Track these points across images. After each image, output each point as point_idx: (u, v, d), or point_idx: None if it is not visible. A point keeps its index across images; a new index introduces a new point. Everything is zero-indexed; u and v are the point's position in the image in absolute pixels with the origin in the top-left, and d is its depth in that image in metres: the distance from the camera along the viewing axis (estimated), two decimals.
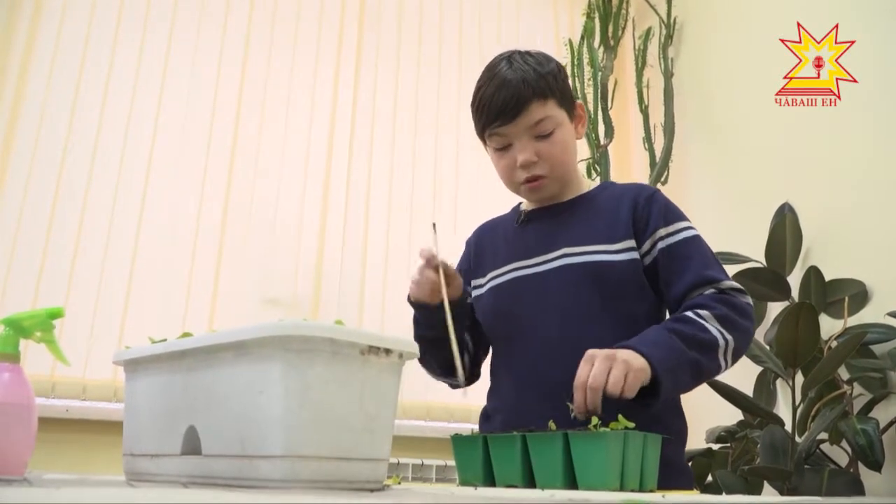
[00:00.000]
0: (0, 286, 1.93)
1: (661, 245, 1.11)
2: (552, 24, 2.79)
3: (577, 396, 0.93)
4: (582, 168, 2.39)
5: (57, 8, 2.14)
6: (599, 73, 2.49)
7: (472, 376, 1.25)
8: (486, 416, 1.21)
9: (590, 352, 0.95)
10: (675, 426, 1.11)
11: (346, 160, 2.39)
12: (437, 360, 1.13)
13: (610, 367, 0.92)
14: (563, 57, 2.61)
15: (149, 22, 2.24)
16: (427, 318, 1.12)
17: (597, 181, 1.29)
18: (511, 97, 1.10)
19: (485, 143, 1.20)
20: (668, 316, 1.14)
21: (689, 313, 1.04)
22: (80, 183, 2.07)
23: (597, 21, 2.60)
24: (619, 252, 1.11)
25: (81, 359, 1.95)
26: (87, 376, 1.96)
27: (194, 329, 1.06)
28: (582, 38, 2.56)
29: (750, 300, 1.09)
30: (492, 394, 1.22)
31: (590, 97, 2.50)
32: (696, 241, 1.12)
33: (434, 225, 1.11)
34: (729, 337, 1.02)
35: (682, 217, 1.14)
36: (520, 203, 1.30)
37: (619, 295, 1.10)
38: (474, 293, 1.25)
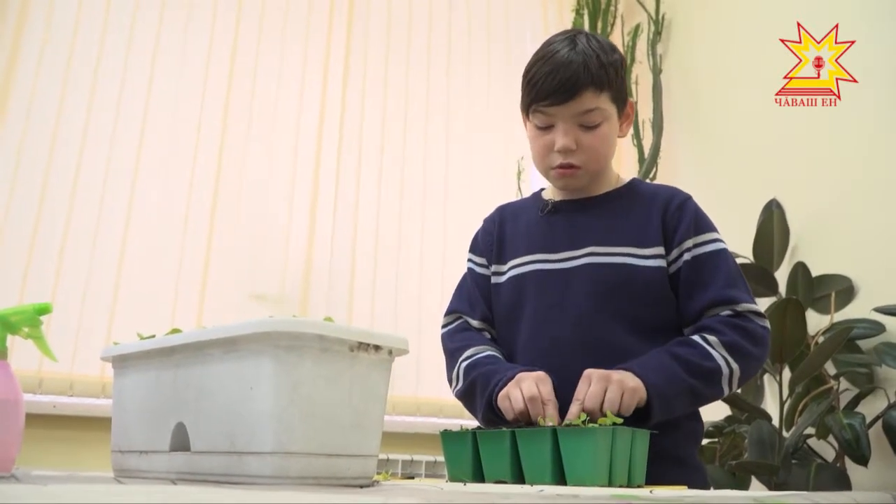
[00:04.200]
0: None
1: (687, 256, 1.08)
2: (541, 21, 2.79)
3: (573, 409, 0.93)
4: None
5: (44, 7, 2.12)
6: None
7: None
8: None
9: (587, 371, 0.96)
10: (688, 426, 1.10)
11: (335, 155, 2.38)
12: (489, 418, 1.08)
13: (605, 388, 0.93)
14: None
15: (137, 17, 2.22)
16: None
17: (626, 176, 1.25)
18: (568, 79, 1.05)
19: (526, 117, 1.14)
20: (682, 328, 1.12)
21: (697, 337, 1.03)
22: (68, 178, 2.05)
23: (586, 17, 2.60)
24: (647, 258, 1.08)
25: (69, 354, 1.94)
26: (74, 372, 1.94)
27: (183, 325, 1.06)
28: None
29: (767, 324, 1.07)
30: None
31: None
32: (723, 255, 1.09)
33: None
34: (735, 365, 1.01)
35: (712, 228, 1.11)
36: (542, 189, 1.26)
37: (642, 301, 1.07)
38: (493, 280, 1.19)
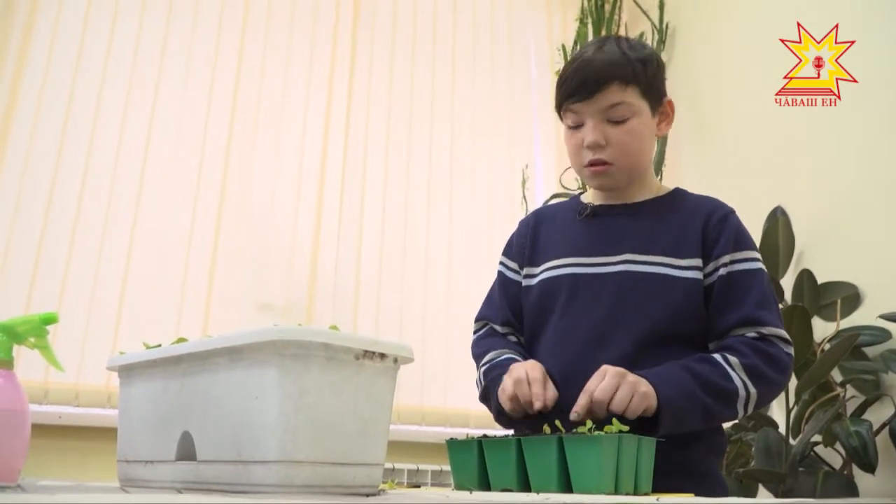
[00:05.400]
0: None
1: (722, 271, 1.07)
2: (545, 30, 2.80)
3: (581, 400, 0.93)
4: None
5: (51, 15, 2.14)
6: None
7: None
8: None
9: (603, 367, 0.95)
10: (711, 438, 1.09)
11: (341, 165, 2.39)
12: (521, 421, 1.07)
13: (618, 385, 0.92)
14: (556, 62, 2.62)
15: (142, 32, 2.24)
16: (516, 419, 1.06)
17: (669, 185, 1.24)
18: (592, 75, 1.07)
19: (561, 118, 1.15)
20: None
21: (718, 356, 1.02)
22: (74, 188, 2.06)
23: (590, 26, 2.61)
24: (684, 269, 1.07)
25: (75, 364, 1.95)
26: (80, 382, 1.95)
27: (188, 334, 1.06)
28: (575, 42, 2.57)
29: (791, 351, 1.06)
30: None
31: None
32: (759, 275, 1.08)
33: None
34: (753, 390, 1.00)
35: (752, 246, 1.10)
36: (581, 193, 1.25)
37: (674, 312, 1.06)
38: (525, 283, 1.18)
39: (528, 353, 1.16)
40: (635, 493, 0.83)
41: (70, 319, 1.95)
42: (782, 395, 1.64)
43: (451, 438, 0.96)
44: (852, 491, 1.56)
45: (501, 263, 1.25)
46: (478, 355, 1.18)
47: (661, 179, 2.39)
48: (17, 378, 0.76)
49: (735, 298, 1.05)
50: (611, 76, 1.07)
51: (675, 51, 2.59)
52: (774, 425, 1.66)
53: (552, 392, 0.99)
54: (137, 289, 2.06)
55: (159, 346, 0.75)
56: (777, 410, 1.84)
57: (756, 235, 1.91)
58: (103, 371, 1.89)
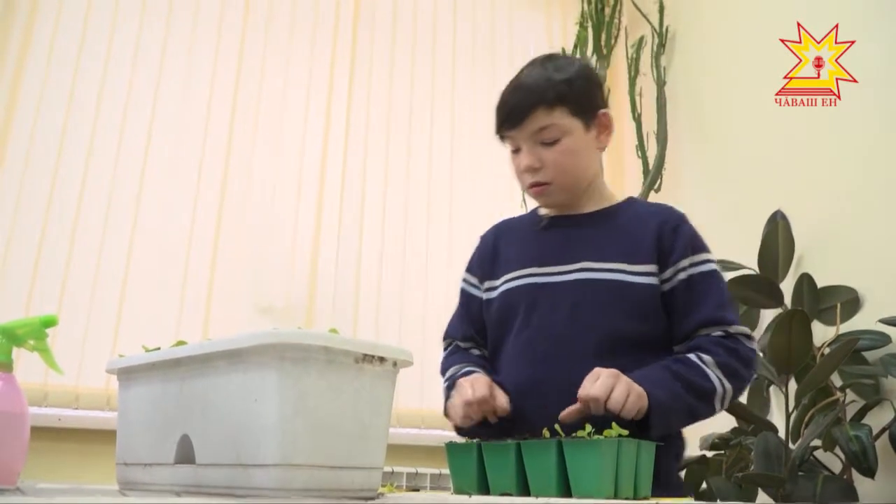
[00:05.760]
0: None
1: (682, 275, 1.10)
2: (544, 34, 2.80)
3: (578, 405, 0.95)
4: None
5: (51, 15, 2.14)
6: None
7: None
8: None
9: (596, 369, 0.97)
10: (674, 443, 1.11)
11: (341, 167, 2.39)
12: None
13: (613, 386, 0.95)
14: None
15: (142, 32, 2.24)
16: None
17: (622, 194, 1.27)
18: (517, 103, 1.13)
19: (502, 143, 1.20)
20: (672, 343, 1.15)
21: (693, 356, 1.05)
22: (73, 190, 2.06)
23: (589, 30, 2.61)
24: (638, 275, 1.10)
25: (74, 367, 1.94)
26: (80, 385, 1.95)
27: (188, 337, 1.06)
28: (575, 46, 2.57)
29: (755, 346, 1.10)
30: None
31: None
32: (716, 276, 1.12)
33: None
34: (728, 386, 1.04)
35: (706, 249, 1.15)
36: (538, 206, 1.29)
37: (632, 316, 1.09)
38: (485, 296, 1.22)
39: (491, 365, 1.19)
40: (635, 498, 0.83)
41: (70, 322, 1.95)
42: (782, 399, 1.63)
43: (451, 442, 0.96)
44: (852, 495, 1.55)
45: (464, 280, 1.29)
46: (443, 373, 1.23)
47: (661, 183, 2.39)
48: (17, 380, 0.76)
49: (697, 300, 1.09)
50: (535, 102, 1.11)
51: (675, 55, 2.59)
52: (774, 429, 1.66)
53: (501, 401, 1.04)
54: (137, 291, 2.06)
55: (158, 348, 0.75)
56: (777, 415, 1.84)
57: (756, 240, 1.92)
58: (103, 373, 1.91)
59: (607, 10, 2.65)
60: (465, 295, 1.27)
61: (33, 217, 2.00)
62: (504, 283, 1.19)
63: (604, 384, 0.94)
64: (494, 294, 1.20)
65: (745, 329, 1.09)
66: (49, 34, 2.13)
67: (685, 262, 1.11)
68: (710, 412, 1.06)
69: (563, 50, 2.57)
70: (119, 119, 2.16)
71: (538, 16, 2.81)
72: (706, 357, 1.04)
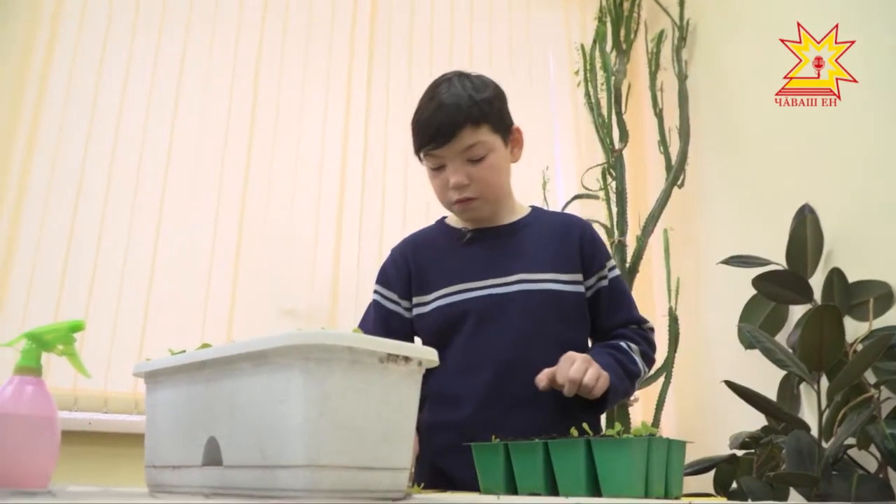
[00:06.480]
0: (22, 300, 1.95)
1: (604, 282, 1.25)
2: (563, 30, 2.78)
3: (564, 388, 1.05)
4: (597, 172, 2.38)
5: (72, 32, 2.17)
6: (612, 78, 2.48)
7: None
8: (432, 429, 1.19)
9: (569, 353, 1.09)
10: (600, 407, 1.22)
11: (360, 169, 2.39)
12: None
13: (587, 369, 1.06)
14: (575, 62, 2.61)
15: (161, 47, 2.26)
16: None
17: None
18: (445, 122, 1.15)
19: (420, 160, 1.24)
20: (590, 339, 1.30)
21: (623, 344, 1.21)
22: (98, 198, 2.09)
23: (608, 25, 2.59)
24: (568, 283, 1.21)
25: (102, 371, 1.97)
26: (108, 389, 1.97)
27: (213, 340, 1.06)
28: (594, 42, 2.55)
29: (653, 328, 1.30)
30: (439, 407, 1.20)
31: (603, 102, 2.48)
32: (622, 278, 1.30)
33: None
34: (645, 368, 1.22)
35: (610, 254, 1.31)
36: (444, 217, 1.35)
37: (568, 323, 1.21)
38: (416, 311, 1.25)
39: (438, 373, 1.19)
40: (666, 497, 0.82)
41: (97, 327, 1.97)
42: (813, 396, 1.60)
43: (477, 442, 0.95)
44: (888, 494, 1.52)
45: (378, 293, 1.31)
46: None
47: (684, 178, 2.36)
48: (47, 385, 0.77)
49: (618, 302, 1.26)
50: (463, 120, 1.15)
51: (696, 48, 2.56)
52: (806, 428, 1.63)
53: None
54: (162, 296, 2.08)
55: (184, 352, 0.75)
56: (809, 413, 1.81)
57: (783, 234, 1.88)
58: (130, 378, 1.93)
59: (626, 5, 2.63)
60: (381, 308, 1.29)
61: (60, 226, 2.03)
62: (438, 298, 1.22)
63: (580, 368, 1.05)
64: (427, 309, 1.23)
65: (649, 321, 1.29)
66: (69, 54, 2.15)
67: (605, 270, 1.25)
68: (633, 391, 1.24)
69: (582, 46, 2.55)
70: (141, 128, 2.18)
71: (557, 12, 2.79)
72: (633, 346, 1.21)
